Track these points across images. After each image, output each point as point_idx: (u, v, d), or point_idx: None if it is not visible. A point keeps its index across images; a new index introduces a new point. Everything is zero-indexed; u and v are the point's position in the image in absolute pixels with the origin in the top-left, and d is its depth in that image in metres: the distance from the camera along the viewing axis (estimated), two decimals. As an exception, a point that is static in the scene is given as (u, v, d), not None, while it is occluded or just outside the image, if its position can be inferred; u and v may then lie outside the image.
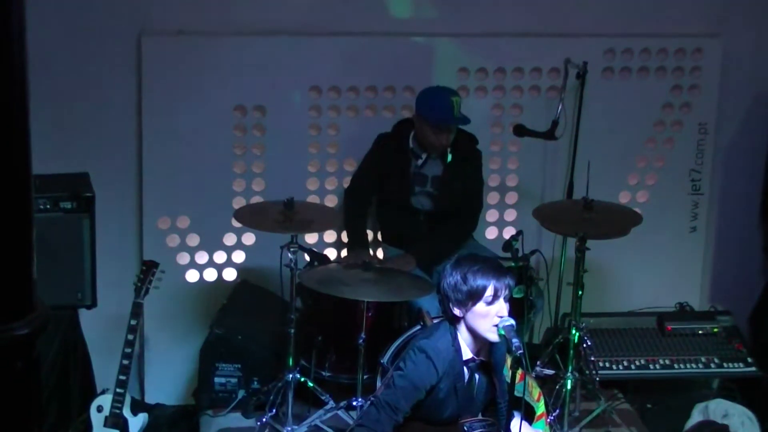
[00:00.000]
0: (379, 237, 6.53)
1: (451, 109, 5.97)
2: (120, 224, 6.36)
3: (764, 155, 6.92)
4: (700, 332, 6.55)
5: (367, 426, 4.60)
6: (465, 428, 4.71)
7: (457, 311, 4.62)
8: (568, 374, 5.84)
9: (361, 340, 5.53)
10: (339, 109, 6.50)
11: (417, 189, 6.21)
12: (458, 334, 4.66)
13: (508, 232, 6.67)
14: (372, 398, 4.80)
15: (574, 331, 5.84)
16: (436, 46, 6.53)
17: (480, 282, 4.57)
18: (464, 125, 6.06)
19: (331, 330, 5.82)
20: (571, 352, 5.85)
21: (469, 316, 4.60)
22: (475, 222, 6.38)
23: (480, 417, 4.79)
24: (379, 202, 6.38)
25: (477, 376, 4.73)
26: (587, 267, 5.85)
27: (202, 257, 6.51)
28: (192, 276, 6.52)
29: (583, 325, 5.91)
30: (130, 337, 5.62)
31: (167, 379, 6.51)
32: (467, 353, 4.68)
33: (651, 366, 6.36)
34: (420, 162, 6.17)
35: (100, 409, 5.65)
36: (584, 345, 5.94)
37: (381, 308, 5.76)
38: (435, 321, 5.36)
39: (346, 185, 6.50)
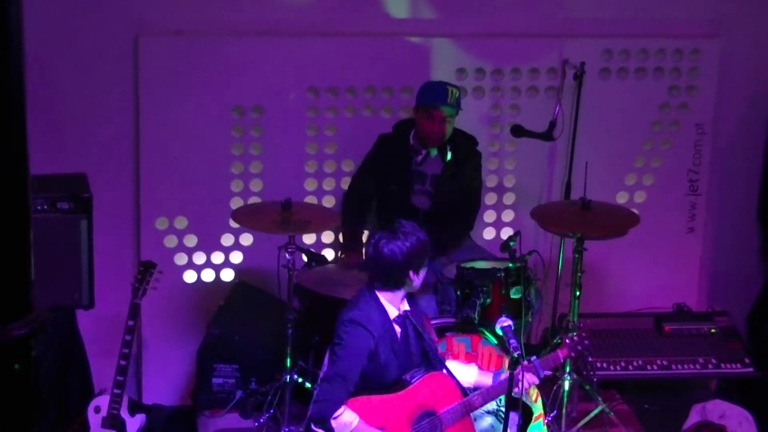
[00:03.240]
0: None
1: (444, 94, 6.00)
2: (117, 225, 6.35)
3: (761, 156, 6.93)
4: (697, 333, 6.54)
5: (322, 400, 4.72)
6: (407, 378, 4.86)
7: (415, 277, 4.89)
8: (566, 375, 5.84)
9: (358, 341, 5.52)
10: (337, 110, 6.50)
11: (417, 187, 6.21)
12: (379, 297, 4.88)
13: (506, 233, 6.67)
14: (320, 378, 4.89)
15: (571, 332, 5.84)
16: (434, 46, 6.52)
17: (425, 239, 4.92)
18: (454, 110, 6.05)
19: (329, 330, 5.81)
20: (569, 352, 5.85)
21: (419, 276, 4.91)
22: (472, 223, 6.38)
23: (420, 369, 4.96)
24: (379, 202, 6.37)
25: (408, 328, 4.93)
26: (585, 267, 5.85)
27: (199, 258, 6.51)
28: (190, 276, 6.52)
29: (581, 325, 5.91)
30: (128, 337, 5.61)
31: (165, 380, 6.50)
32: (393, 311, 4.90)
33: (648, 366, 6.36)
34: (420, 158, 6.17)
35: (97, 409, 5.64)
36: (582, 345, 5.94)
37: (378, 309, 5.75)
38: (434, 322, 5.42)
39: (344, 186, 6.50)
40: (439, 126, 6.06)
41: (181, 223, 6.44)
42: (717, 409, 5.85)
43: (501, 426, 4.81)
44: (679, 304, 6.82)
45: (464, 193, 6.24)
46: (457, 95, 6.06)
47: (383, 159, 6.23)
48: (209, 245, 6.50)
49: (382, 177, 6.25)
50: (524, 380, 4.69)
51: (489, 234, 6.78)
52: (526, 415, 5.14)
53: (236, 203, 6.42)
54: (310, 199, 6.51)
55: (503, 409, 4.69)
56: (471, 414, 4.89)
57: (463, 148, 6.20)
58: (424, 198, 6.24)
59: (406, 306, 4.97)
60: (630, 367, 6.36)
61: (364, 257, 5.32)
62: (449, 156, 6.16)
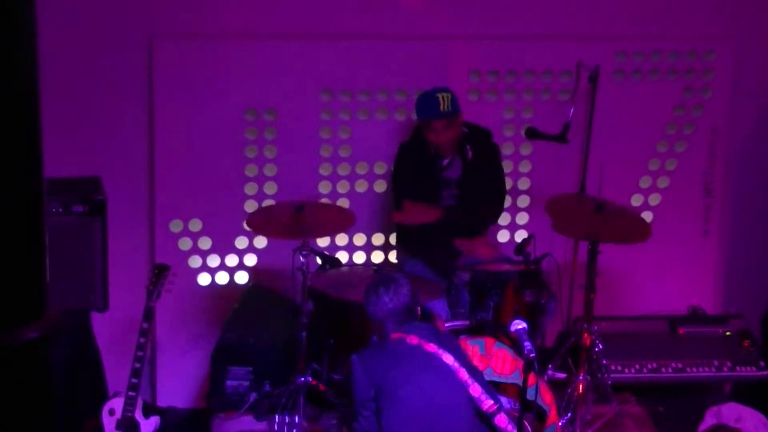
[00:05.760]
0: (392, 240, 6.52)
1: (436, 104, 5.96)
2: (132, 228, 6.37)
3: (776, 158, 6.91)
4: (712, 335, 6.53)
5: None
6: None
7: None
8: (580, 378, 5.83)
9: (372, 343, 5.52)
10: (351, 112, 6.50)
11: (445, 193, 6.17)
12: None
13: (521, 236, 6.66)
14: None
15: (585, 335, 5.83)
16: (448, 48, 6.52)
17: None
18: (451, 116, 6.00)
19: (343, 333, 5.82)
20: (583, 355, 5.84)
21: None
22: (501, 207, 6.32)
23: None
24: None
25: None
26: (599, 270, 5.83)
27: (213, 260, 6.52)
28: (204, 279, 6.53)
29: (595, 328, 5.90)
30: (142, 340, 5.62)
31: (179, 382, 6.51)
32: None
33: (663, 369, 6.35)
34: (446, 162, 6.12)
35: (112, 412, 5.65)
36: (596, 348, 5.93)
37: (392, 311, 5.74)
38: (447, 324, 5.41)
39: (358, 188, 6.50)
40: (444, 135, 6.03)
41: (195, 225, 6.45)
42: (732, 412, 5.82)
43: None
44: (693, 306, 6.80)
45: (490, 188, 6.20)
46: (449, 99, 6.00)
47: (409, 169, 6.17)
48: (223, 248, 6.51)
49: (408, 187, 6.18)
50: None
51: (503, 237, 6.77)
52: (540, 418, 5.13)
53: (250, 206, 6.43)
54: (325, 202, 6.51)
55: (517, 411, 4.67)
56: None
57: (480, 145, 6.15)
58: (452, 202, 6.19)
59: None
60: (644, 370, 6.34)
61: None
62: (470, 155, 6.11)
